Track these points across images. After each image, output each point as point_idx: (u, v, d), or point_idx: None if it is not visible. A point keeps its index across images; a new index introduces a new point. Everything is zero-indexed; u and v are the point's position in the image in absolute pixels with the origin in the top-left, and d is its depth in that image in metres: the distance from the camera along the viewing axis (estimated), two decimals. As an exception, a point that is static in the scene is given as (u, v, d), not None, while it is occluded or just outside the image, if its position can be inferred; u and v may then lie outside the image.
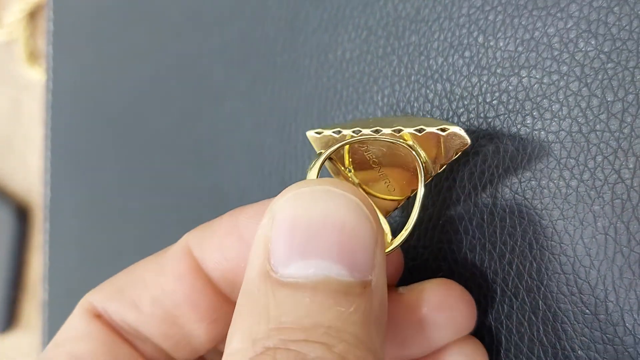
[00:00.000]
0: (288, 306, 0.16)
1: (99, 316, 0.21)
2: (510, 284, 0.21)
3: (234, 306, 0.17)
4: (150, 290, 0.21)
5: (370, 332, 0.16)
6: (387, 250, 0.20)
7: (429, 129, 0.20)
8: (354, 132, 0.21)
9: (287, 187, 0.18)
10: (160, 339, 0.21)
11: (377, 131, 0.21)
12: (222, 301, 0.21)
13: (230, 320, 0.17)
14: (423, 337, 0.20)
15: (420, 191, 0.20)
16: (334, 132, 0.21)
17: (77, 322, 0.20)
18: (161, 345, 0.21)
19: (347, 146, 0.21)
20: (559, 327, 0.20)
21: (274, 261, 0.17)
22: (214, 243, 0.20)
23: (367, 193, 0.22)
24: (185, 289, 0.20)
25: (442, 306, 0.20)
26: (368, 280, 0.17)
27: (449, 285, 0.21)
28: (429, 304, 0.20)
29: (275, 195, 0.17)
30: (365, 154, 0.21)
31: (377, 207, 0.21)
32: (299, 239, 0.16)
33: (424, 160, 0.20)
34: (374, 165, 0.22)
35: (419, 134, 0.20)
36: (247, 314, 0.16)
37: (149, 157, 0.32)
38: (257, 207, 0.20)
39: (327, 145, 0.22)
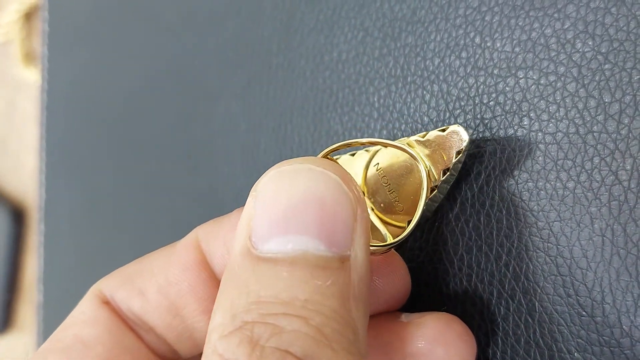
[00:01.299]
0: (267, 281, 0.16)
1: (107, 303, 0.21)
2: (506, 285, 0.21)
3: None
4: (157, 279, 0.21)
5: (349, 306, 0.16)
6: (387, 243, 0.20)
7: (431, 132, 0.21)
8: (365, 150, 0.22)
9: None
10: (163, 329, 0.21)
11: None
12: None
13: None
14: None
15: (424, 193, 0.20)
16: (350, 154, 0.22)
17: (86, 307, 0.21)
18: (164, 336, 0.21)
19: (364, 171, 0.22)
20: (556, 330, 0.20)
21: (254, 238, 0.17)
22: (221, 237, 0.21)
23: (381, 219, 0.22)
24: (191, 280, 0.21)
25: (440, 341, 0.20)
26: (346, 255, 0.17)
27: (451, 321, 0.21)
28: (427, 337, 0.20)
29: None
30: (377, 172, 0.22)
31: (391, 233, 0.22)
32: (279, 215, 0.17)
33: (426, 165, 0.21)
34: (384, 185, 0.22)
35: (422, 139, 0.21)
36: (228, 290, 0.17)
37: (143, 158, 0.32)
38: None
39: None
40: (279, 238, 0.17)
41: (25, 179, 0.53)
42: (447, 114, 0.22)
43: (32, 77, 0.51)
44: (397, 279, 0.22)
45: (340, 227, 0.17)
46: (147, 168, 0.32)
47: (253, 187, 0.18)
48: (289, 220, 0.17)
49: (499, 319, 0.21)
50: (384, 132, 0.24)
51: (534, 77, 0.21)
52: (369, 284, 0.18)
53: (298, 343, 0.15)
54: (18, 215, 0.53)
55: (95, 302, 0.21)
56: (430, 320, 0.21)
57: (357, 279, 0.17)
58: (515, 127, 0.21)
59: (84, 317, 0.21)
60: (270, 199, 0.17)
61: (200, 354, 0.22)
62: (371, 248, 0.20)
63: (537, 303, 0.21)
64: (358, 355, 0.16)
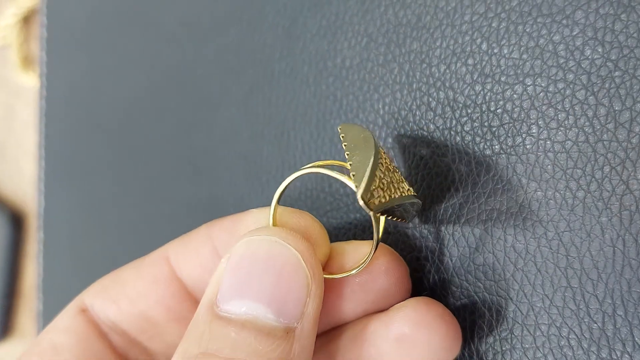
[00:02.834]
0: (218, 336, 0.18)
1: (84, 311, 0.23)
2: (515, 297, 0.21)
3: None
4: (128, 290, 0.23)
5: None
6: (348, 272, 0.21)
7: (348, 172, 0.20)
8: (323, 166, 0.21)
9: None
10: (136, 333, 0.23)
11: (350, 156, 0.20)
12: (194, 304, 0.23)
13: None
14: (398, 356, 0.20)
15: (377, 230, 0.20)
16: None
17: (64, 315, 0.23)
18: (137, 338, 0.23)
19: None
20: (567, 342, 0.20)
21: (219, 296, 0.19)
22: (189, 252, 0.23)
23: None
24: (159, 292, 0.23)
25: (423, 323, 0.20)
26: (293, 327, 0.19)
27: (431, 303, 0.21)
28: (409, 321, 0.20)
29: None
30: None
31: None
32: (240, 279, 0.19)
33: (362, 195, 0.19)
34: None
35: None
36: (187, 337, 0.19)
37: (144, 166, 0.31)
38: (231, 219, 0.22)
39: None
40: (237, 301, 0.19)
41: (24, 185, 0.52)
42: (454, 122, 0.22)
43: (30, 82, 0.50)
44: (395, 280, 0.22)
45: (292, 300, 0.19)
46: (147, 176, 0.31)
47: (230, 249, 0.20)
48: (247, 286, 0.19)
49: (507, 331, 0.21)
50: (389, 139, 0.24)
51: (543, 85, 0.21)
52: (310, 355, 0.19)
53: None
54: (17, 221, 0.53)
55: (74, 311, 0.23)
56: (410, 303, 0.21)
57: (299, 349, 0.19)
58: (524, 135, 0.21)
59: (61, 325, 0.23)
60: (236, 263, 0.19)
61: (172, 354, 0.24)
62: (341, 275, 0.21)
63: (546, 315, 0.20)
64: None
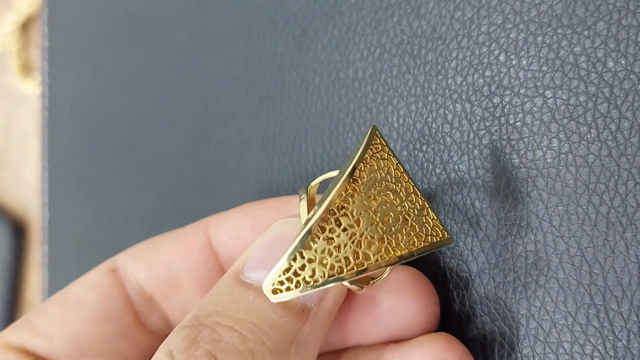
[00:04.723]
0: (236, 299, 0.19)
1: (114, 271, 0.23)
2: (537, 314, 0.20)
3: None
4: (163, 254, 0.24)
5: (290, 349, 0.19)
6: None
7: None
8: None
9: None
10: (161, 297, 0.24)
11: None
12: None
13: None
14: None
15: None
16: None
17: (94, 272, 0.24)
18: (160, 303, 0.24)
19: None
20: (591, 361, 0.20)
21: (246, 266, 0.20)
22: (228, 224, 0.23)
23: None
24: (192, 258, 0.23)
25: None
26: (309, 308, 0.19)
27: (452, 342, 0.20)
28: (429, 356, 0.20)
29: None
30: None
31: None
32: (269, 254, 0.20)
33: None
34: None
35: None
36: (207, 296, 0.20)
37: (152, 179, 0.31)
38: (274, 200, 0.23)
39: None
40: (262, 271, 0.19)
41: (26, 193, 0.52)
42: (472, 135, 0.22)
43: (30, 88, 0.50)
44: (427, 317, 0.21)
45: None
46: (156, 188, 0.31)
47: (270, 225, 0.21)
48: (274, 260, 0.19)
49: (529, 348, 0.21)
50: (404, 152, 0.23)
51: (563, 97, 0.20)
52: (319, 338, 0.20)
53: (227, 353, 0.18)
54: (19, 230, 0.52)
55: (104, 270, 0.24)
56: (432, 340, 0.21)
57: (310, 329, 0.19)
58: (544, 149, 0.20)
59: (88, 281, 0.24)
60: (269, 240, 0.20)
61: None
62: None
63: (569, 333, 0.20)
64: None
